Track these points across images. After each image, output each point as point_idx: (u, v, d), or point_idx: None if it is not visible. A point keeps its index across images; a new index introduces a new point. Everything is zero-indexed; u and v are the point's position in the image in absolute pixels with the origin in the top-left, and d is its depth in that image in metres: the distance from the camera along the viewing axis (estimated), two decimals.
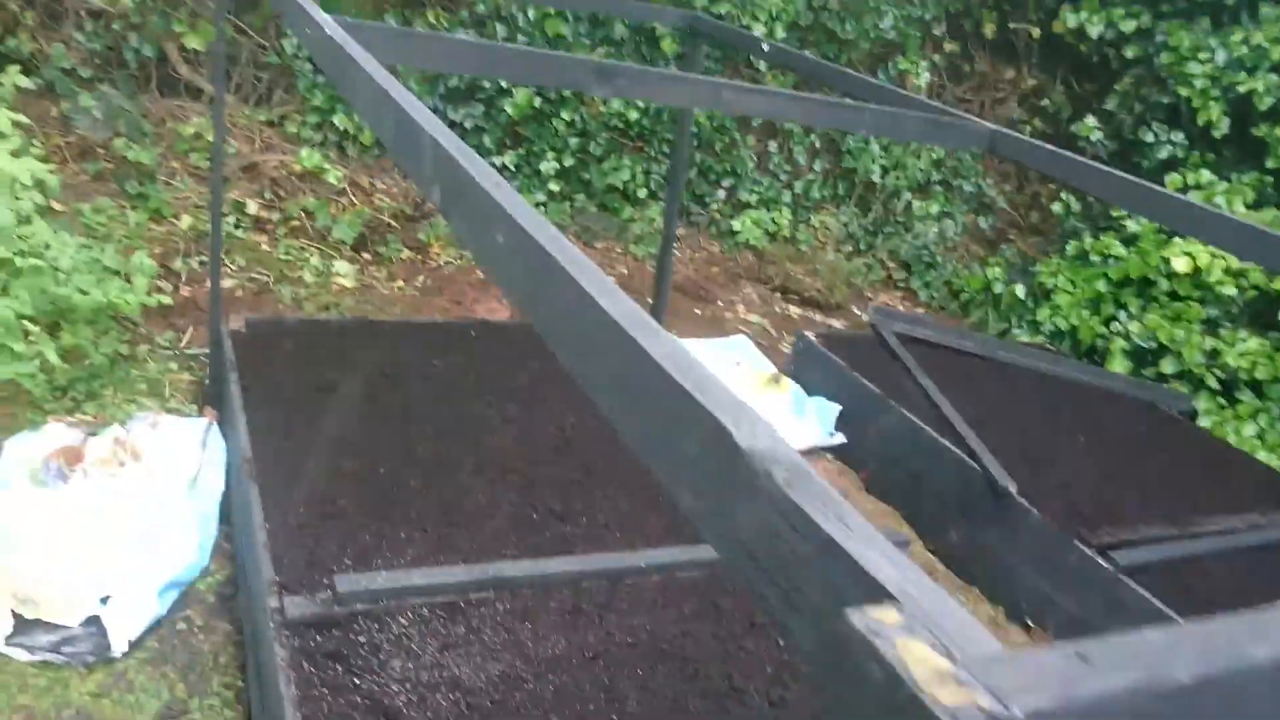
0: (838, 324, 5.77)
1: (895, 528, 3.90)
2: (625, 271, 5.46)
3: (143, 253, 3.36)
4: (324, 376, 3.25)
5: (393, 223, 5.13)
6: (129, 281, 3.30)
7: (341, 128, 5.31)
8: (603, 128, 5.74)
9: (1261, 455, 4.81)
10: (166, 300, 3.44)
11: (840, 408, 4.28)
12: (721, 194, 6.16)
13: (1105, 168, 2.33)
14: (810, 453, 4.21)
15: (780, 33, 5.66)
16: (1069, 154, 2.39)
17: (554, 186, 5.70)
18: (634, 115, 5.68)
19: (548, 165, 5.64)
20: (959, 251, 6.58)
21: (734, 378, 4.49)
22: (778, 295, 5.82)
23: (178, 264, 4.23)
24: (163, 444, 3.01)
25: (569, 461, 3.01)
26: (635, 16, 4.89)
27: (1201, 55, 5.26)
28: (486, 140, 5.56)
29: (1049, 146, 2.40)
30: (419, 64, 1.77)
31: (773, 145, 6.27)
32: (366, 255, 4.90)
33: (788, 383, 4.46)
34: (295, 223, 4.85)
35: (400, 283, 4.75)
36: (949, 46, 6.38)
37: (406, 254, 4.99)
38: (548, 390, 3.48)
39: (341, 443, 2.87)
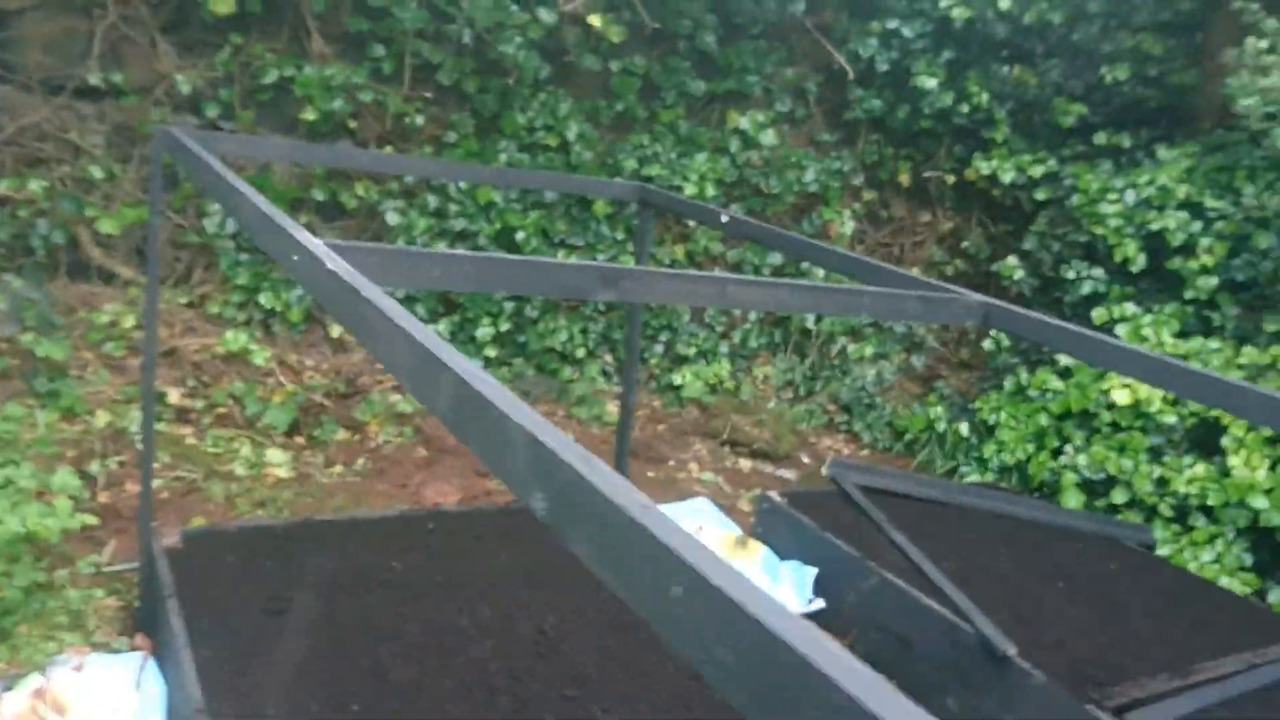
0: (789, 473, 5.67)
1: None
2: (571, 437, 5.28)
3: (66, 471, 3.05)
4: (275, 594, 2.94)
5: (325, 402, 4.87)
6: (48, 502, 2.97)
7: (268, 306, 5.09)
8: None
9: (1224, 581, 4.81)
10: (91, 520, 3.09)
11: (817, 570, 4.11)
12: (659, 348, 6.10)
13: (1098, 335, 2.31)
14: None
15: (710, 190, 5.74)
16: (1061, 323, 2.37)
17: (490, 352, 5.56)
18: None
19: (484, 331, 5.51)
20: (895, 391, 6.62)
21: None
22: (726, 449, 5.70)
23: (94, 466, 3.87)
24: (91, 691, 2.64)
25: (558, 671, 2.75)
26: (588, 192, 4.89)
27: (1111, 196, 5.52)
28: (420, 309, 5.41)
29: (1042, 317, 2.37)
30: (418, 285, 1.63)
31: None
32: (300, 439, 4.61)
33: (756, 545, 4.28)
34: (222, 410, 4.55)
35: (339, 468, 4.46)
36: (867, 195, 6.58)
37: (343, 434, 4.72)
38: (519, 587, 3.23)
39: (305, 675, 2.56)
